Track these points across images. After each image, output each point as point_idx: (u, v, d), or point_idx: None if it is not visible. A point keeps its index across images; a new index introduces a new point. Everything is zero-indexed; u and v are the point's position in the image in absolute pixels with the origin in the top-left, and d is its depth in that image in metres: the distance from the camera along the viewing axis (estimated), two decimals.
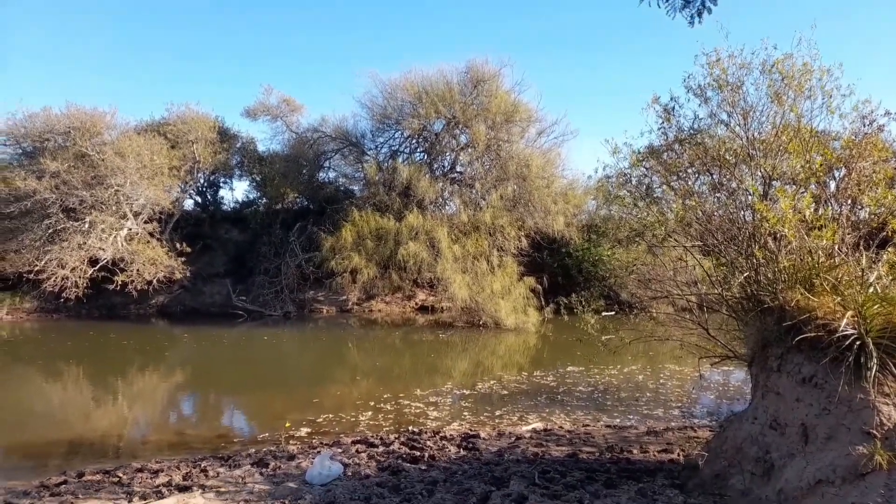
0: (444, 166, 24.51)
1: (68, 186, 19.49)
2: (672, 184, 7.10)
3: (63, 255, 18.97)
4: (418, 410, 9.54)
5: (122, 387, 13.56)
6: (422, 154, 24.49)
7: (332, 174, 26.75)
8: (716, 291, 6.48)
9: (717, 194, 6.70)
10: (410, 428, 8.44)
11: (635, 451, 6.72)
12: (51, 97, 63.99)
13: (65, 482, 6.92)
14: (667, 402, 9.91)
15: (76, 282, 18.89)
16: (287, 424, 8.62)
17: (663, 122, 6.98)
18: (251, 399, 11.55)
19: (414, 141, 24.37)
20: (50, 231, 19.41)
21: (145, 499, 6.12)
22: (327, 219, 22.50)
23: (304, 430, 8.63)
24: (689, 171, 7.15)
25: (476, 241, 20.08)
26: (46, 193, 19.16)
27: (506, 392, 10.72)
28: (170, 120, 23.90)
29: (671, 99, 6.80)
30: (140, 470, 7.20)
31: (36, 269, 18.82)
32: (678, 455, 6.48)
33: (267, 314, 21.66)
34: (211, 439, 9.22)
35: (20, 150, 22.05)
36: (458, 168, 24.14)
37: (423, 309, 22.20)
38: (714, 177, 6.77)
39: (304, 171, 25.65)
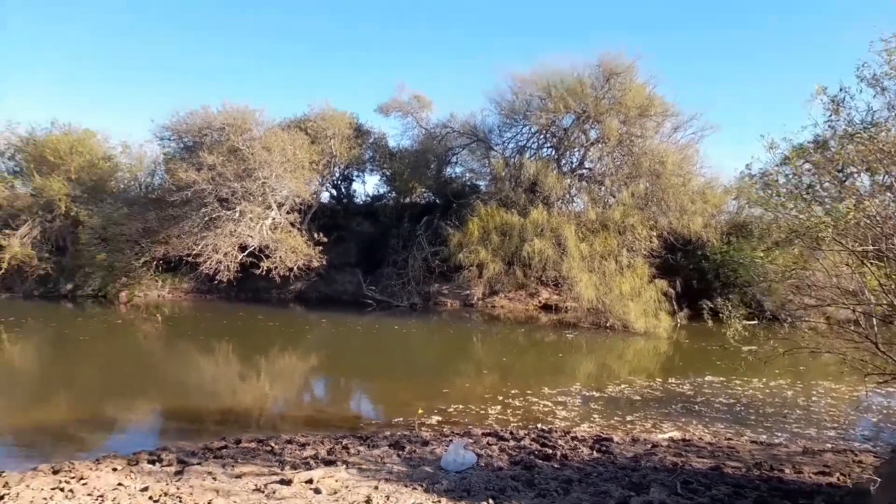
0: (571, 162, 24.10)
1: (222, 178, 21.30)
2: (839, 182, 6.49)
3: (217, 241, 20.83)
4: (546, 409, 9.48)
5: (265, 365, 14.68)
6: (549, 149, 24.23)
7: (458, 169, 27.19)
8: (888, 301, 5.85)
9: (889, 194, 6.04)
10: (539, 425, 8.42)
11: (787, 471, 6.25)
12: (205, 94, 70.30)
13: (225, 447, 7.62)
14: (820, 421, 9.10)
15: (228, 266, 20.67)
16: (419, 411, 8.91)
17: (830, 115, 6.37)
18: (383, 384, 12.06)
19: (541, 136, 24.16)
20: (206, 219, 21.35)
21: (296, 468, 6.60)
22: (453, 213, 22.90)
23: (434, 419, 8.88)
24: (860, 168, 6.51)
25: (604, 239, 19.52)
26: (204, 184, 21.06)
27: (637, 398, 10.36)
28: (311, 116, 25.40)
29: (840, 90, 6.18)
30: (289, 442, 7.78)
31: (194, 252, 20.81)
32: (839, 479, 5.94)
33: (394, 305, 22.47)
34: (347, 419, 9.75)
35: (182, 145, 24.44)
36: (587, 164, 23.60)
37: (546, 307, 21.95)
38: (890, 176, 6.11)
39: (432, 166, 26.25)
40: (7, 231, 22.62)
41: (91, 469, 6.74)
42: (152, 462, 7.05)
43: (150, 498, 5.76)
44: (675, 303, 18.54)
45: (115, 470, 6.77)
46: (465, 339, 17.67)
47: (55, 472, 6.55)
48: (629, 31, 53.57)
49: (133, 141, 26.69)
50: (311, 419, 9.54)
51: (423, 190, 27.34)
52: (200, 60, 61.93)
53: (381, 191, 28.72)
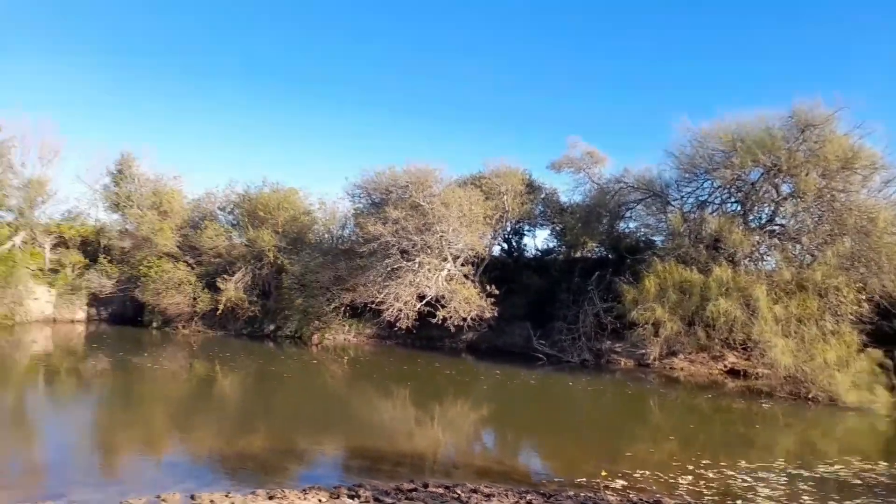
0: (760, 218, 22.35)
1: (405, 231, 22.83)
2: None
3: (398, 290, 22.21)
4: (745, 484, 8.70)
5: (439, 411, 15.18)
6: (734, 204, 22.74)
7: (632, 224, 26.40)
8: None
9: None
10: (739, 503, 7.76)
11: None
12: (393, 154, 76.39)
13: (415, 489, 8.00)
14: None
15: (408, 314, 21.89)
16: (603, 473, 8.67)
17: None
18: (559, 441, 11.89)
19: (725, 191, 22.79)
20: (389, 269, 22.91)
21: None
22: (627, 269, 22.25)
23: (619, 482, 8.57)
24: None
25: (802, 301, 17.64)
26: (389, 237, 22.74)
27: (857, 482, 9.10)
28: (485, 174, 26.52)
29: None
30: (474, 491, 7.96)
31: (377, 300, 22.37)
32: None
33: (564, 360, 22.09)
34: (524, 473, 9.79)
35: (370, 201, 26.71)
36: (779, 220, 21.73)
37: (732, 372, 20.17)
38: None
39: (604, 221, 25.85)
40: (225, 276, 26.10)
41: (300, 498, 7.45)
42: (351, 497, 7.60)
43: None
44: (894, 376, 16.12)
45: (320, 501, 7.41)
46: (641, 401, 16.86)
47: (270, 498, 7.33)
48: (824, 83, 49.22)
49: (328, 198, 29.65)
50: (485, 470, 9.65)
51: (594, 245, 26.97)
52: (389, 121, 67.88)
53: (551, 245, 28.89)
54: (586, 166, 27.49)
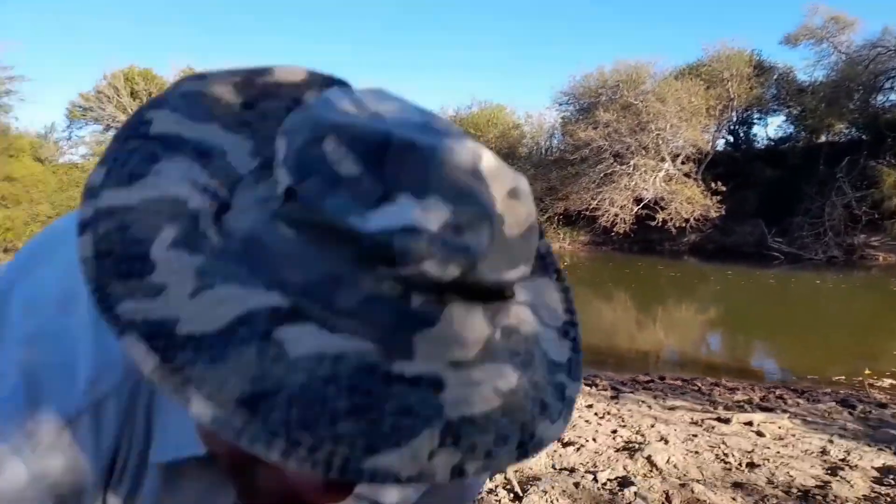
0: None
1: (617, 134, 22.09)
2: None
3: (613, 195, 21.82)
4: None
5: (662, 313, 14.83)
6: None
7: (893, 97, 22.39)
8: None
9: None
10: None
11: None
12: (601, 55, 72.49)
13: (651, 381, 8.13)
14: None
15: (624, 218, 21.51)
16: (867, 371, 7.95)
17: None
18: (808, 341, 11.01)
19: None
20: (602, 174, 22.50)
21: (729, 409, 6.69)
22: (887, 150, 19.09)
23: (887, 382, 7.80)
24: None
25: None
26: (600, 141, 22.20)
27: None
28: (705, 60, 24.32)
29: None
30: (715, 384, 7.85)
31: (591, 207, 22.23)
32: None
33: (806, 258, 19.95)
34: (767, 372, 9.32)
35: (577, 107, 26.14)
36: None
37: None
38: None
39: (856, 97, 22.35)
40: None
41: None
42: (589, 386, 8.00)
43: (595, 414, 6.59)
44: None
45: None
46: None
47: None
48: None
49: (533, 111, 29.80)
50: (718, 368, 9.31)
51: (842, 126, 23.44)
52: (593, 23, 64.48)
53: (788, 132, 25.91)
54: (830, 35, 23.54)
